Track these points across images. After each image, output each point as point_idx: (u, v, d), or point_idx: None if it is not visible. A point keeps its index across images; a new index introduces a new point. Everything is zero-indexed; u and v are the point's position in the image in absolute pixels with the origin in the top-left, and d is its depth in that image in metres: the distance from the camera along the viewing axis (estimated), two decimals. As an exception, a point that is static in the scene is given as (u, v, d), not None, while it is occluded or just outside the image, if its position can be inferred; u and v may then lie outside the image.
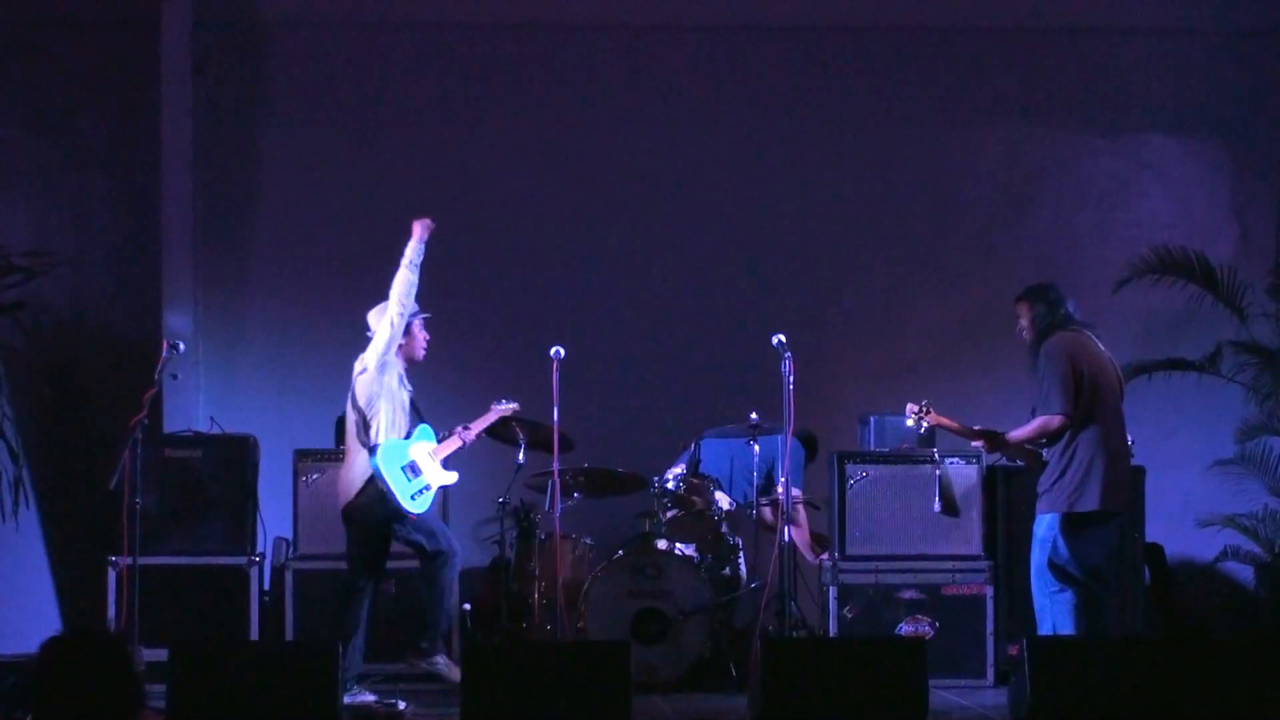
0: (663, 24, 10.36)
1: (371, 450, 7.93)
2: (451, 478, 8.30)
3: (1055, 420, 7.48)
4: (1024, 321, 7.73)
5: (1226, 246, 10.36)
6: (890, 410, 9.23)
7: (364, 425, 8.00)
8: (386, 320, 7.99)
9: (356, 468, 8.01)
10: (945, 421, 7.81)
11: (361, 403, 8.03)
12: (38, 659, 4.90)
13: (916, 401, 7.81)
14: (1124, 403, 7.72)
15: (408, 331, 8.10)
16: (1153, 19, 10.46)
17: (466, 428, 8.36)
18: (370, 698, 7.75)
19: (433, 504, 8.16)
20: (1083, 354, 7.56)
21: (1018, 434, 7.65)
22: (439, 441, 8.25)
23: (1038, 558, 7.52)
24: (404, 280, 7.98)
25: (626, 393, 9.86)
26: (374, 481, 7.91)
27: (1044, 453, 7.65)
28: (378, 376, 8.01)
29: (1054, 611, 7.44)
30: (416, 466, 8.08)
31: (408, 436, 8.09)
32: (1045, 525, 7.52)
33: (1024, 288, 7.83)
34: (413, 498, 8.01)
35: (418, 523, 8.01)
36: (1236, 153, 10.52)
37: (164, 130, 9.91)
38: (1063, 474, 7.49)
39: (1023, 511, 8.11)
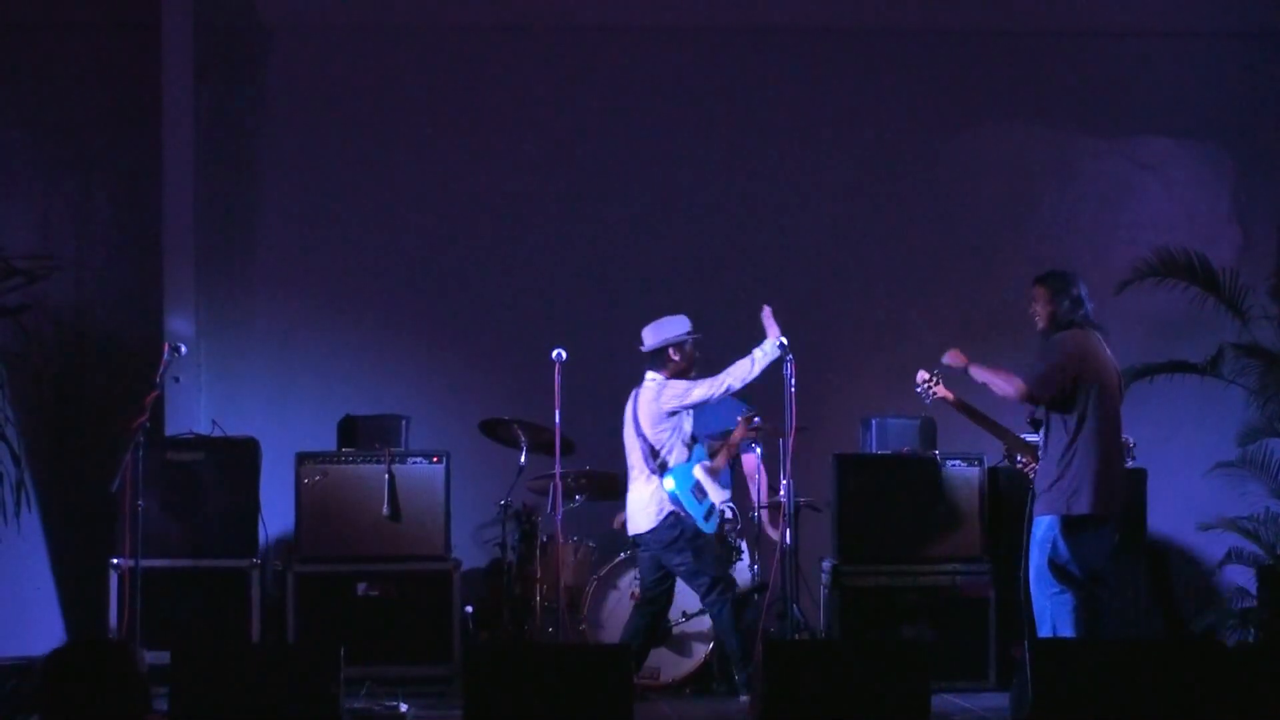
0: (664, 26, 10.36)
1: (663, 474, 8.16)
2: (725, 495, 8.47)
3: (1024, 394, 7.55)
4: (1039, 307, 7.72)
5: (1228, 248, 10.35)
6: (891, 412, 9.25)
7: (652, 451, 8.21)
8: (705, 389, 8.13)
9: (647, 493, 8.20)
10: (950, 396, 7.90)
11: (650, 429, 8.21)
12: (45, 667, 4.90)
13: (928, 370, 7.86)
14: (1125, 405, 7.73)
15: (681, 351, 8.28)
16: (1154, 21, 10.46)
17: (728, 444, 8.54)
18: None
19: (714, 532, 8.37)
20: (1091, 357, 7.57)
21: (981, 371, 7.70)
22: (709, 459, 8.46)
23: (1037, 559, 7.52)
24: (742, 375, 8.12)
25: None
26: (672, 510, 8.15)
27: (1039, 451, 7.67)
28: (668, 412, 8.21)
29: (1054, 613, 7.43)
30: (702, 487, 8.26)
31: (689, 459, 8.27)
32: (1044, 527, 7.52)
33: (1049, 271, 7.82)
34: (705, 519, 8.21)
35: (699, 550, 8.16)
36: (1238, 154, 10.52)
37: (165, 133, 9.91)
38: (1060, 477, 7.49)
39: (1024, 514, 8.09)
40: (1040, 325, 7.74)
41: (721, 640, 8.35)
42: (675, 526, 8.15)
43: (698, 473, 8.31)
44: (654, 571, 8.33)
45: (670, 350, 8.31)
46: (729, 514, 8.63)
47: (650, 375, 8.32)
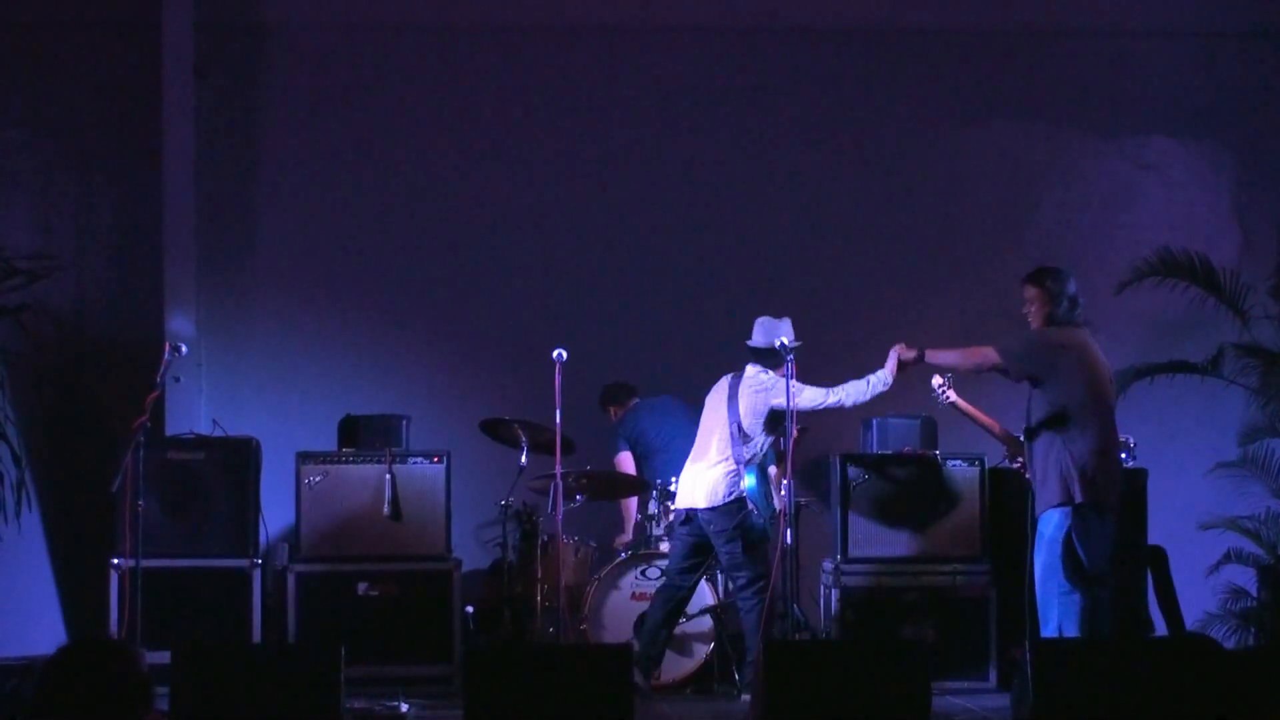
0: (664, 26, 10.36)
1: (747, 468, 8.17)
2: (781, 503, 8.43)
3: (994, 362, 7.62)
4: (1035, 307, 7.67)
5: (1229, 248, 10.36)
6: (892, 412, 9.25)
7: (744, 439, 8.19)
8: (816, 397, 8.10)
9: (718, 473, 8.18)
10: (960, 402, 7.93)
11: (749, 418, 8.19)
12: (47, 666, 4.89)
13: (942, 375, 7.89)
14: (1126, 405, 7.74)
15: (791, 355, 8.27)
16: (1154, 21, 10.47)
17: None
18: None
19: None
20: (1080, 352, 7.57)
21: (940, 354, 7.80)
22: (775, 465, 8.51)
23: (1046, 557, 7.49)
24: (855, 396, 8.13)
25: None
26: (740, 497, 8.14)
27: (1028, 449, 7.71)
28: (772, 410, 8.16)
29: (1062, 613, 7.41)
30: (771, 491, 8.32)
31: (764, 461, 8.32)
32: (1054, 524, 7.49)
33: (1042, 269, 7.78)
34: (769, 521, 8.22)
35: (755, 545, 8.17)
36: (1238, 154, 10.53)
37: (165, 132, 9.92)
38: (1051, 468, 7.49)
39: (1024, 513, 8.10)
40: (1035, 325, 7.73)
41: (742, 638, 8.33)
42: (738, 515, 8.16)
43: (771, 474, 8.42)
44: (685, 559, 8.33)
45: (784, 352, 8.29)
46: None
47: (759, 368, 8.31)
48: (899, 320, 10.30)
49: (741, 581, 8.20)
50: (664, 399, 9.45)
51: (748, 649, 8.22)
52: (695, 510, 8.24)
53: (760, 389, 8.22)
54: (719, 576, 8.77)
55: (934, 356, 7.83)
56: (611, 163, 10.34)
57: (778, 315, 8.32)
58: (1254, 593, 9.83)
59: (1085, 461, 7.46)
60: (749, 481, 8.19)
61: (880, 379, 8.13)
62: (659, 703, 8.32)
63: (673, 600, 8.37)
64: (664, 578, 8.51)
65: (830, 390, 8.13)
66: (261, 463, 8.91)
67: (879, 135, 10.43)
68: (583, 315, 9.98)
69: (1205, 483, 10.03)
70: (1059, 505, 7.48)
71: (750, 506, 8.17)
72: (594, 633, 8.70)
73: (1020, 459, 8.03)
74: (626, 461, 9.44)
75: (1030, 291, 7.73)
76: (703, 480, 8.24)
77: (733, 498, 8.16)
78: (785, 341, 8.07)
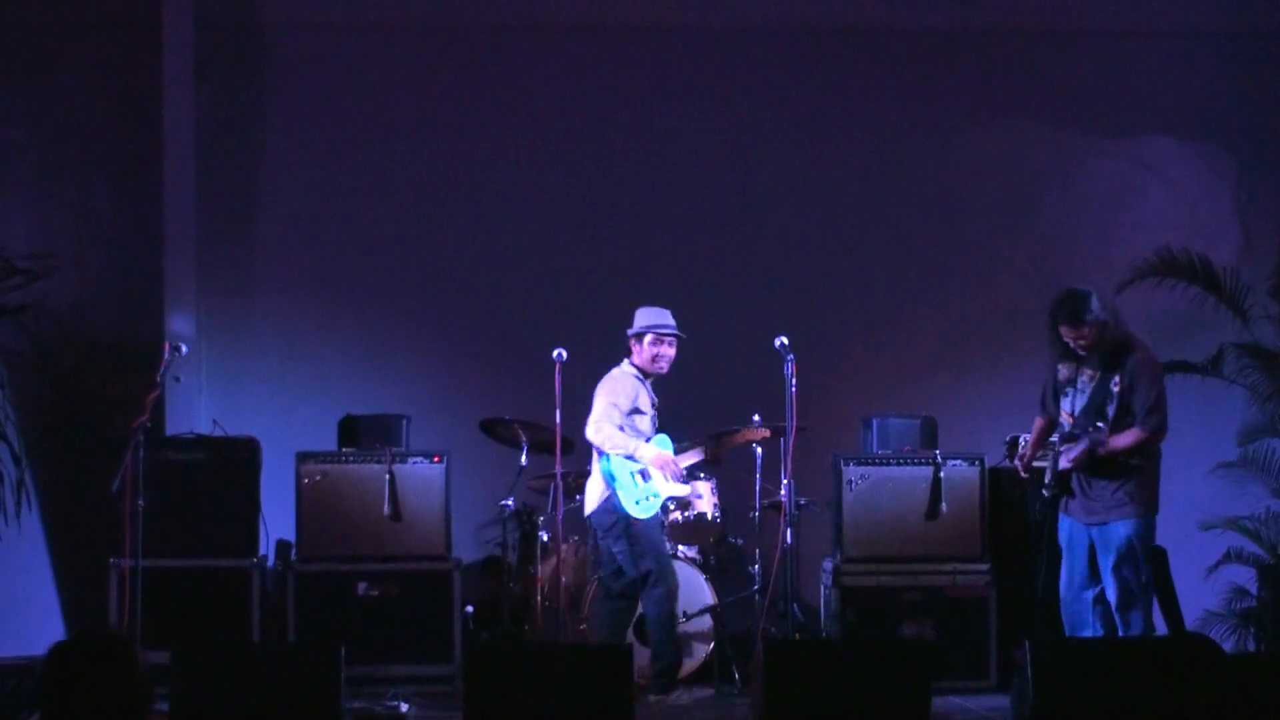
0: (664, 25, 10.36)
1: (601, 455, 8.13)
2: (683, 490, 8.44)
3: (1162, 437, 7.54)
4: (1097, 331, 7.53)
5: (1229, 248, 10.35)
6: (892, 412, 9.25)
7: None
8: (598, 426, 8.10)
9: (595, 476, 8.21)
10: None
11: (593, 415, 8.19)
12: (47, 662, 4.90)
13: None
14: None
15: (640, 342, 8.30)
16: (1155, 21, 10.47)
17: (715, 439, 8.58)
18: None
19: (656, 522, 8.25)
20: None
21: (1120, 443, 7.50)
22: (676, 452, 8.38)
23: (1146, 563, 7.51)
24: (611, 445, 8.08)
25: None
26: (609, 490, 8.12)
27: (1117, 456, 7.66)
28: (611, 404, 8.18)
29: (1147, 612, 7.51)
30: (648, 473, 8.18)
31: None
32: (1149, 530, 7.54)
33: (1085, 298, 7.50)
34: (637, 503, 8.12)
35: (634, 537, 8.08)
36: (1239, 154, 10.53)
37: (166, 132, 9.91)
38: (1144, 478, 7.52)
39: (1023, 513, 8.10)
40: (1084, 351, 7.61)
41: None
42: (612, 512, 8.13)
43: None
44: (609, 564, 8.31)
45: (631, 340, 8.33)
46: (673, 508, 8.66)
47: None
48: (899, 319, 10.32)
49: (641, 580, 8.11)
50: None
51: (655, 655, 8.14)
52: (586, 517, 8.30)
53: (603, 380, 8.24)
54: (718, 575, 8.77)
55: (1113, 448, 7.51)
56: (611, 162, 10.33)
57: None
58: (1254, 592, 9.82)
59: (1155, 467, 7.56)
60: (602, 465, 8.13)
61: (643, 458, 8.08)
62: (660, 703, 8.31)
63: (617, 604, 8.29)
64: (600, 589, 8.41)
65: (611, 428, 8.09)
66: (261, 463, 8.91)
67: (879, 135, 10.42)
68: (583, 315, 9.97)
69: (1205, 483, 10.03)
70: (1148, 514, 7.53)
71: (614, 495, 8.09)
72: (593, 633, 8.69)
73: (1022, 462, 7.94)
74: None
75: (1091, 329, 7.48)
76: (590, 486, 8.29)
77: (605, 496, 8.17)
78: (785, 341, 8.06)
